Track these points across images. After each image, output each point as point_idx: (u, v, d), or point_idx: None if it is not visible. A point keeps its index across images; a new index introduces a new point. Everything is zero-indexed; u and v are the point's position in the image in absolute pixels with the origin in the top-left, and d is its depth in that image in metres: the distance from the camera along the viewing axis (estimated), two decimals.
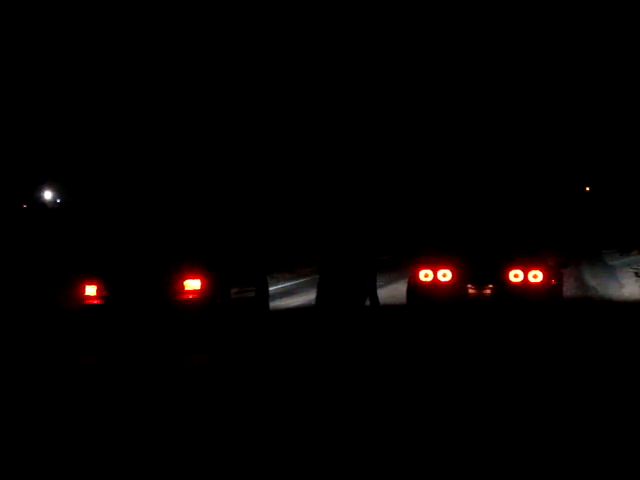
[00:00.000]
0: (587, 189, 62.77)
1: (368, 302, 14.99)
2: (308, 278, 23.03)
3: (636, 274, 21.22)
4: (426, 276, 13.02)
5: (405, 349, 12.05)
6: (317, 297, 14.05)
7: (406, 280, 13.94)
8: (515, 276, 12.71)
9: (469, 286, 12.84)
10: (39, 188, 45.09)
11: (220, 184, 35.87)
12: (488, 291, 12.78)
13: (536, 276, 12.70)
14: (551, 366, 10.41)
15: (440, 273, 12.96)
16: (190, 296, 12.63)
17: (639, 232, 34.94)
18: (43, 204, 42.10)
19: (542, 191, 55.19)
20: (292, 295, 19.58)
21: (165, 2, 41.13)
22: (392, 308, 15.75)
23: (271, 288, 16.57)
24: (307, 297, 18.98)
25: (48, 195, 46.55)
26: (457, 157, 52.82)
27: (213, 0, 42.31)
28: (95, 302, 12.73)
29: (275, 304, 16.73)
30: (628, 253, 27.85)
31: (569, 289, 17.33)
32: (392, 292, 18.11)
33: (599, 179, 59.38)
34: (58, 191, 45.77)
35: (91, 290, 12.78)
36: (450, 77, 49.23)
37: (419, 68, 47.88)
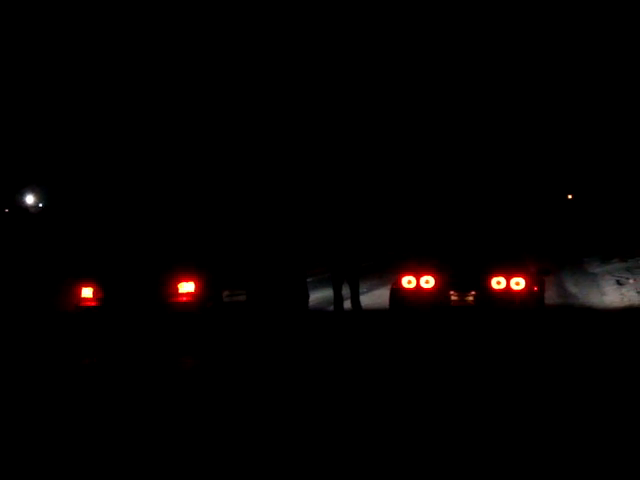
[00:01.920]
0: (569, 197, 63.11)
1: (350, 307, 15.07)
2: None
3: (617, 282, 21.32)
4: (409, 282, 13.05)
5: (387, 354, 12.08)
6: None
7: (389, 286, 13.97)
8: (497, 283, 12.76)
9: (451, 292, 12.88)
10: (21, 192, 44.93)
11: (214, 188, 35.84)
12: (470, 298, 12.82)
13: (518, 283, 12.75)
14: (532, 372, 10.46)
15: (423, 279, 13.00)
16: (184, 299, 12.84)
17: (620, 240, 35.13)
18: (25, 208, 41.94)
19: (524, 199, 55.44)
20: None
21: (163, 2, 41.07)
22: (374, 313, 15.78)
23: None
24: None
25: (30, 200, 46.39)
26: (440, 165, 52.98)
27: (213, 0, 42.35)
28: (91, 304, 12.92)
29: None
30: (609, 261, 27.95)
31: (551, 296, 17.39)
32: (375, 299, 18.13)
33: (581, 187, 59.70)
34: (40, 195, 45.59)
35: (87, 292, 12.99)
36: (435, 87, 49.43)
37: (399, 85, 48.08)
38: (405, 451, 7.02)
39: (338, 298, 14.96)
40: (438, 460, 6.75)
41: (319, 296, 19.49)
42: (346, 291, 15.06)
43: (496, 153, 54.87)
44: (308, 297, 15.32)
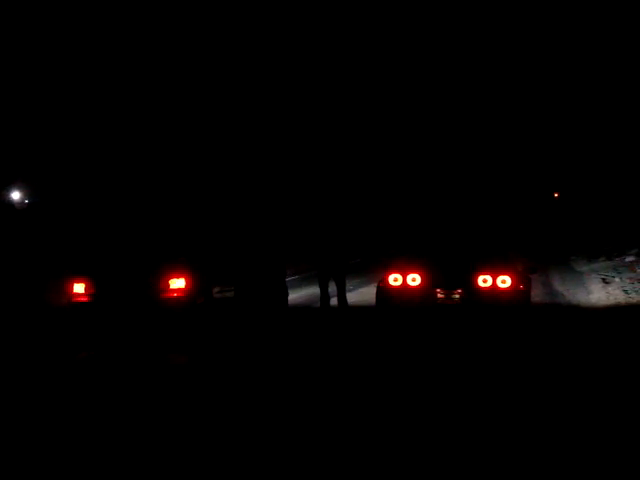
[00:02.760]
0: (556, 195, 63.32)
1: (336, 304, 15.09)
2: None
3: (603, 280, 21.38)
4: (395, 280, 13.05)
5: (373, 351, 12.08)
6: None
7: (375, 284, 13.97)
8: (484, 281, 12.77)
9: (438, 290, 12.88)
10: (7, 189, 44.80)
11: (206, 184, 35.83)
12: (457, 296, 12.82)
13: (504, 281, 12.76)
14: (518, 369, 10.48)
15: (409, 277, 13.00)
16: (175, 294, 12.93)
17: (607, 238, 35.25)
18: (11, 205, 41.79)
19: (511, 197, 55.59)
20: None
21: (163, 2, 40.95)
22: (361, 310, 15.81)
23: None
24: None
25: (16, 196, 46.26)
26: (427, 163, 53.06)
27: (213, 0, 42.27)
28: (83, 300, 12.98)
29: None
30: (596, 259, 28.05)
31: (537, 295, 17.43)
32: (362, 296, 18.14)
33: (568, 185, 59.91)
34: (26, 192, 45.45)
35: (79, 288, 13.07)
36: (419, 89, 49.49)
37: (382, 85, 48.15)
38: (387, 446, 7.02)
39: (324, 295, 14.98)
40: (426, 458, 6.76)
41: (303, 294, 19.51)
42: (332, 288, 15.08)
43: (483, 152, 55.00)
44: (287, 294, 15.39)
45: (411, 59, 47.99)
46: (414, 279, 12.99)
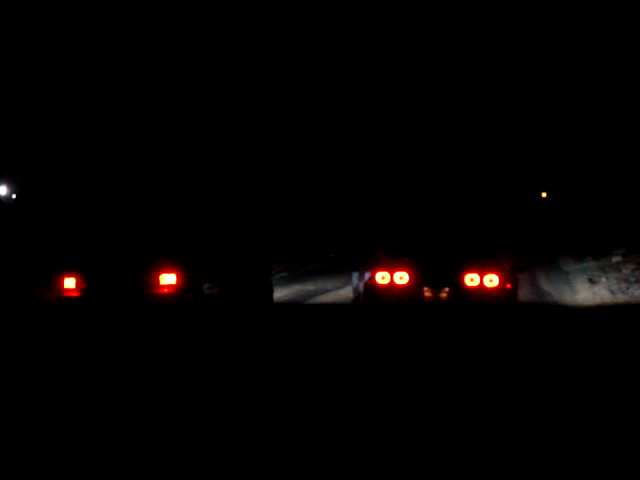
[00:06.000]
0: (543, 195, 63.43)
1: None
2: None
3: (590, 280, 21.48)
4: (383, 278, 13.08)
5: (360, 350, 12.11)
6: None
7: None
8: (471, 280, 12.81)
9: (425, 289, 12.91)
10: None
11: (197, 180, 35.78)
12: (444, 294, 12.86)
13: (492, 280, 12.81)
14: (504, 367, 10.53)
15: (397, 275, 13.03)
16: (165, 290, 13.00)
17: (594, 238, 35.37)
18: None
19: (499, 196, 55.70)
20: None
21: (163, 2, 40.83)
22: (352, 308, 15.87)
23: None
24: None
25: (3, 191, 46.09)
26: (414, 161, 53.10)
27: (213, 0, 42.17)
28: (73, 295, 13.03)
29: None
30: (582, 259, 28.15)
31: (524, 294, 17.51)
32: (350, 293, 18.18)
33: (555, 185, 60.04)
34: (14, 186, 45.28)
35: (70, 283, 13.10)
36: (409, 85, 49.52)
37: (376, 82, 48.17)
38: (372, 442, 7.05)
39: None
40: (413, 456, 6.79)
41: (291, 291, 19.54)
42: (321, 286, 15.16)
43: (470, 151, 55.09)
44: (272, 291, 15.52)
45: (398, 63, 48.02)
46: (402, 277, 13.02)
